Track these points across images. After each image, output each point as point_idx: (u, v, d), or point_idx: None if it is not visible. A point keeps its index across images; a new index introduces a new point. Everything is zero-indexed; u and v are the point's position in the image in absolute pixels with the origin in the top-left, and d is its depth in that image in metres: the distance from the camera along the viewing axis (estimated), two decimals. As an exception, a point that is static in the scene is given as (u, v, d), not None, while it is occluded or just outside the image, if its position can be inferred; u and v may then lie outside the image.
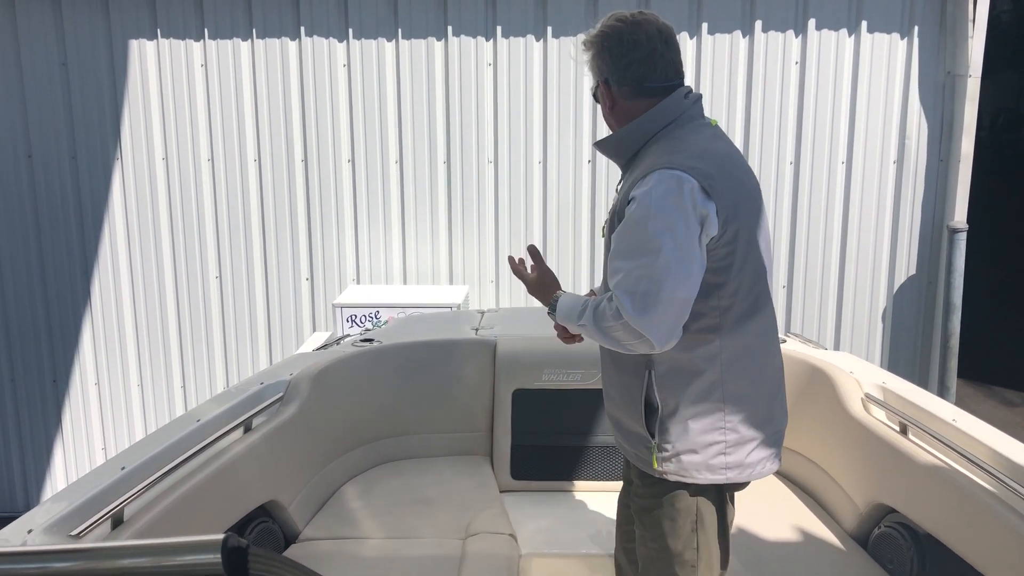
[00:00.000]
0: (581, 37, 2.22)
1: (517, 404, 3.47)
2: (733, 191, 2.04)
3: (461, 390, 3.56)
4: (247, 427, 2.89)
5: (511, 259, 2.38)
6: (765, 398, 2.16)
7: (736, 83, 5.31)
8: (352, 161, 5.57)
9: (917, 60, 5.18)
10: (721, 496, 2.16)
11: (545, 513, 3.26)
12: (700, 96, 2.18)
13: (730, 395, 2.09)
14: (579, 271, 5.58)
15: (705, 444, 2.09)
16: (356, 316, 5.28)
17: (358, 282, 5.75)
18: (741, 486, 2.18)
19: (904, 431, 2.78)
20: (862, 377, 3.13)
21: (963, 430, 2.63)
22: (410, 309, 5.24)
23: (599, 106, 2.25)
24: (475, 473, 3.44)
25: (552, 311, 2.23)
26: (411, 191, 5.59)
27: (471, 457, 3.56)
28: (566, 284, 5.54)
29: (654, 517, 2.18)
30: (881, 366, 4.56)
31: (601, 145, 2.24)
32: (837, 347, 5.49)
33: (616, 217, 2.10)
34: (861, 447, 2.90)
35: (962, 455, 2.49)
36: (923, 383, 5.43)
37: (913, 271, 5.39)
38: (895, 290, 5.40)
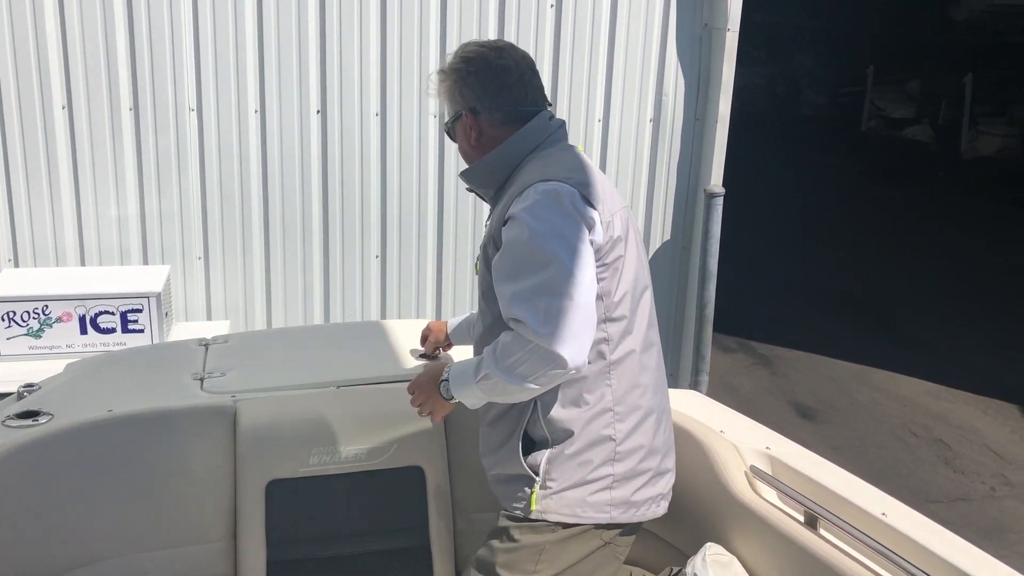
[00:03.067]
0: (432, 71, 2.27)
1: (274, 502, 2.33)
2: (610, 202, 1.96)
3: (184, 485, 2.35)
4: None
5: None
6: (654, 423, 2.04)
7: (487, 25, 4.42)
8: (-2, 104, 4.02)
9: (675, 9, 4.58)
10: (590, 543, 1.99)
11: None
12: (563, 121, 2.09)
13: (621, 419, 1.98)
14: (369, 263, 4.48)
15: (595, 478, 1.96)
16: (14, 313, 3.83)
17: (15, 264, 4.22)
18: (625, 532, 2.04)
19: (813, 524, 2.07)
20: (735, 437, 2.39)
21: (898, 528, 1.97)
22: (90, 302, 3.88)
23: (454, 142, 2.13)
24: None
25: (446, 389, 1.98)
26: (84, 141, 4.14)
27: None
28: (370, 289, 4.46)
29: (508, 561, 1.99)
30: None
31: (468, 175, 2.09)
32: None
33: (491, 246, 1.95)
34: (755, 541, 2.16)
35: (899, 566, 1.84)
36: (677, 353, 5.01)
37: (668, 236, 4.89)
38: (649, 256, 4.88)
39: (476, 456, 2.14)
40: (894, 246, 9.37)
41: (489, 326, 1.99)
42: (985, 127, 12.23)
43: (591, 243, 1.86)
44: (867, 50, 15.09)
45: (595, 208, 1.88)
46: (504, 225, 1.88)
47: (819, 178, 12.37)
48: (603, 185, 1.96)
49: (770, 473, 2.25)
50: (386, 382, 2.59)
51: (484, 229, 2.11)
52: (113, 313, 3.93)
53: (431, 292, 4.65)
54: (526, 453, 1.97)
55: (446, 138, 2.62)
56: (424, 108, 4.40)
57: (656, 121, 4.70)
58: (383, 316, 4.62)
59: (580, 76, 4.56)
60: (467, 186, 2.11)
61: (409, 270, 4.59)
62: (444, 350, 2.72)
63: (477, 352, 2.07)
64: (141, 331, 3.97)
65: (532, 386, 1.81)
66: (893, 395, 6.10)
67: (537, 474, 1.96)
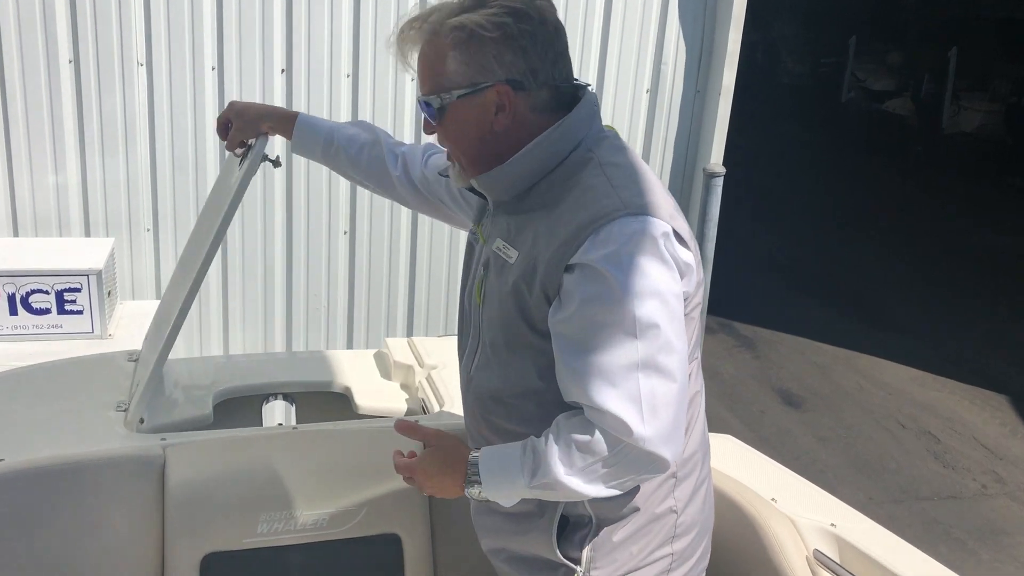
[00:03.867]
0: (445, 17, 1.45)
1: None
2: (688, 230, 1.48)
3: (96, 558, 1.89)
4: None
5: (398, 455, 1.60)
6: (706, 488, 1.67)
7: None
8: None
9: (678, -29, 4.16)
10: None
11: None
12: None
13: (680, 482, 1.57)
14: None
15: (651, 561, 1.56)
16: (-66, 291, 3.37)
17: (-63, 233, 3.76)
18: None
19: None
20: (790, 507, 1.95)
21: None
22: (22, 279, 3.41)
23: (432, 128, 1.54)
24: None
25: (474, 483, 1.47)
26: (17, 97, 3.64)
27: None
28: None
29: None
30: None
31: (492, 181, 1.51)
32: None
33: (528, 286, 1.45)
34: None
35: None
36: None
37: (660, 217, 4.51)
38: (639, 238, 4.51)
39: (465, 521, 1.72)
40: (873, 223, 9.10)
41: (519, 392, 1.53)
42: (967, 102, 11.95)
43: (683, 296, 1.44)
44: (849, 20, 14.72)
45: (689, 248, 1.44)
46: (568, 272, 1.39)
47: (796, 149, 12.07)
48: (674, 203, 1.50)
49: (837, 561, 1.84)
50: (358, 418, 2.22)
51: (478, 234, 1.63)
52: (47, 292, 3.47)
53: (404, 269, 4.24)
54: (562, 536, 1.55)
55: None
56: (401, 70, 3.95)
57: (653, 92, 4.29)
58: (351, 294, 4.20)
59: (572, 39, 4.12)
60: (459, 186, 1.62)
61: (380, 247, 4.17)
62: (255, 137, 1.97)
63: (470, 410, 1.64)
64: (80, 312, 3.52)
65: (612, 492, 1.41)
66: (878, 382, 5.84)
67: (579, 563, 1.54)
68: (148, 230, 3.91)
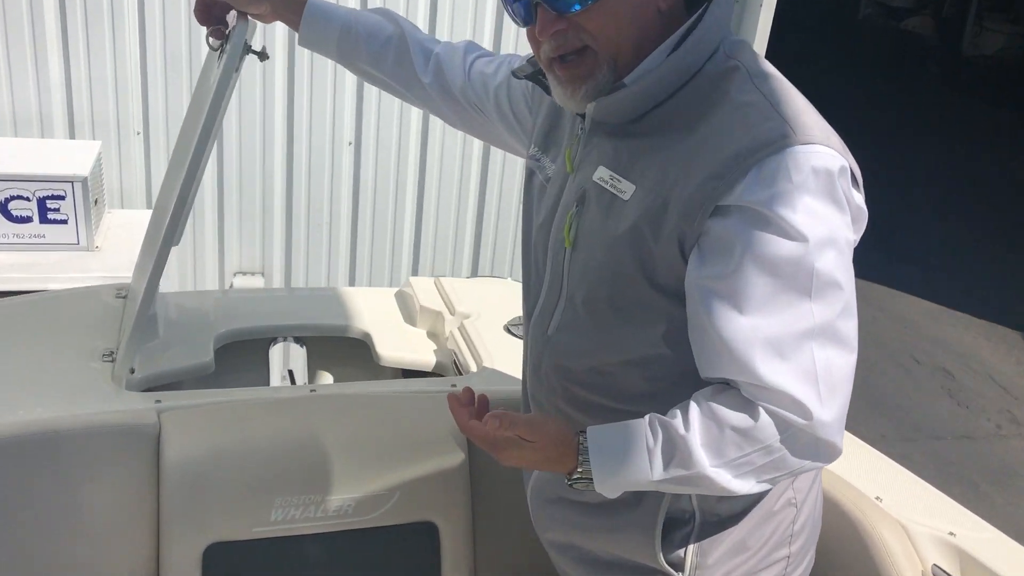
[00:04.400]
0: None
1: (214, 574, 1.60)
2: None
3: (76, 548, 1.59)
4: None
5: (453, 399, 1.26)
6: (818, 478, 1.40)
7: None
8: None
9: None
10: None
11: None
12: None
13: (802, 474, 1.27)
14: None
15: (767, 564, 1.29)
16: (-96, 195, 3.06)
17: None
18: None
19: None
20: (899, 509, 1.63)
21: None
22: (1, 185, 3.11)
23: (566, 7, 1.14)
24: None
25: (582, 475, 1.15)
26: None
27: None
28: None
29: None
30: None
31: (632, 96, 1.17)
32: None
33: (655, 228, 1.14)
34: None
35: None
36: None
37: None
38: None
39: (514, 507, 1.46)
40: (887, 147, 8.77)
41: (623, 362, 1.24)
42: (990, 24, 11.44)
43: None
44: (870, -70, 14.04)
45: (860, 190, 1.19)
46: (719, 216, 1.11)
47: (808, 67, 11.62)
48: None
49: None
50: (381, 374, 1.95)
51: (564, 159, 1.31)
52: (29, 199, 3.17)
53: (412, 180, 3.94)
54: (666, 538, 1.28)
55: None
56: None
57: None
58: (355, 208, 3.91)
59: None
60: (573, 109, 1.27)
61: (387, 156, 3.87)
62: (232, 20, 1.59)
63: (544, 379, 1.34)
64: (64, 222, 3.23)
65: (762, 487, 1.15)
66: (893, 314, 5.67)
67: (680, 569, 1.28)
68: (138, 133, 3.58)
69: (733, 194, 1.09)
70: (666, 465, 1.11)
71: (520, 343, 2.01)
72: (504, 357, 1.93)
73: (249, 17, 1.54)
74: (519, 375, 1.86)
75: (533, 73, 1.31)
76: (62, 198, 3.19)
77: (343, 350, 2.16)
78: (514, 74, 1.38)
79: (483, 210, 4.04)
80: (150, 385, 1.81)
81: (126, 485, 1.58)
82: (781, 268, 1.08)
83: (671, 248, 1.14)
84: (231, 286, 3.84)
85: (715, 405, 1.12)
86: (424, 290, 2.27)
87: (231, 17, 1.55)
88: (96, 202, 3.30)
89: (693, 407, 1.13)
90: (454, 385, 1.77)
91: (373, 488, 1.62)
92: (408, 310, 2.27)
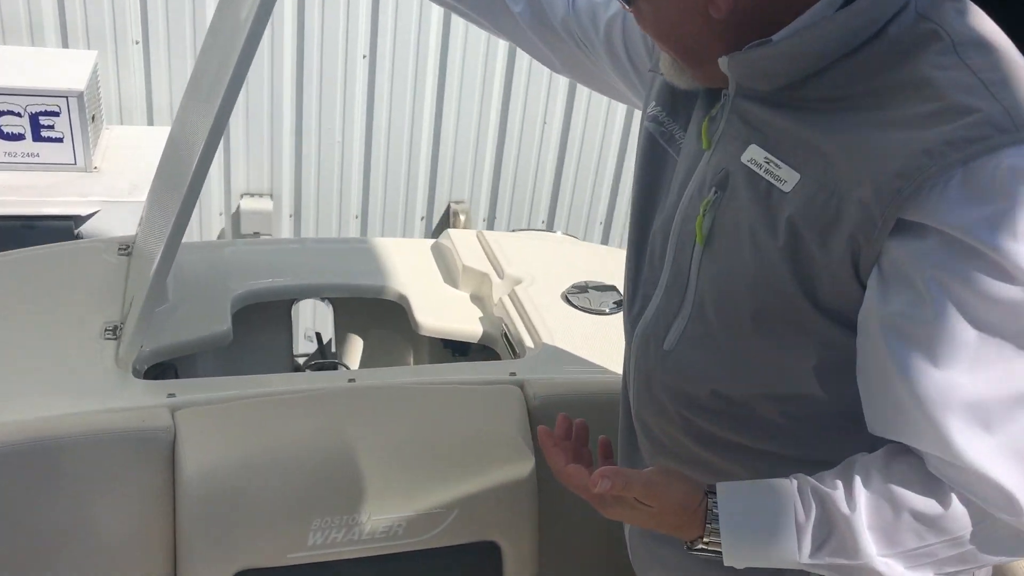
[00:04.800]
0: None
1: None
2: None
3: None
4: None
5: (546, 436, 1.05)
6: None
7: None
8: None
9: None
10: None
11: None
12: None
13: None
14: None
15: None
16: None
17: None
18: None
19: None
20: None
21: None
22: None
23: None
24: None
25: (708, 546, 0.91)
26: None
27: None
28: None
29: None
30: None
31: (763, 63, 0.91)
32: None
33: (806, 226, 0.87)
34: None
35: None
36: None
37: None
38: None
39: (586, 526, 1.28)
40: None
41: (764, 395, 0.98)
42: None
43: None
44: None
45: None
46: (906, 234, 0.83)
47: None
48: None
49: None
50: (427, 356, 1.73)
51: (698, 129, 1.04)
52: (20, 114, 2.90)
53: (430, 96, 3.67)
54: None
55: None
56: None
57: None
58: (368, 127, 3.64)
59: None
60: (681, 84, 1.03)
61: (404, 70, 3.58)
62: None
63: (655, 400, 1.07)
64: (59, 140, 2.96)
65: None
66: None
67: None
68: (137, 43, 3.27)
69: (925, 207, 0.81)
70: (818, 547, 0.88)
71: (584, 317, 1.78)
72: (565, 333, 1.70)
73: None
74: (583, 355, 1.65)
75: None
76: (56, 114, 2.93)
77: (375, 311, 1.95)
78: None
79: (505, 132, 3.78)
80: (160, 359, 1.59)
81: (135, 501, 1.35)
82: (994, 316, 0.81)
83: (842, 263, 0.87)
84: (238, 208, 3.61)
85: (890, 480, 0.87)
86: (466, 246, 2.01)
87: None
88: (93, 118, 3.04)
89: (859, 479, 0.87)
90: (513, 373, 1.54)
91: (427, 504, 1.38)
92: (448, 268, 2.02)
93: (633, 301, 1.12)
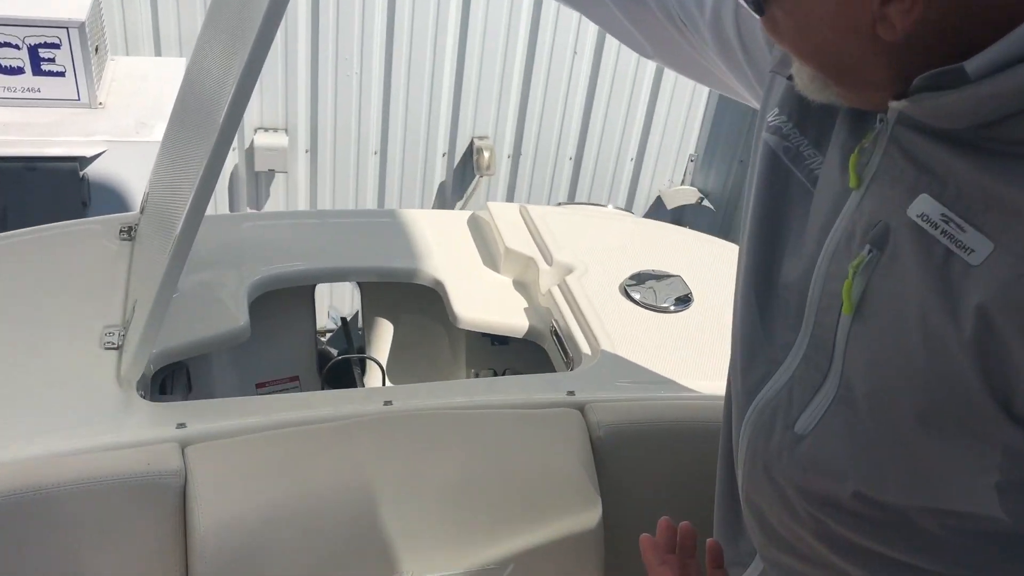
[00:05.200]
0: None
1: None
2: None
3: None
4: None
5: (648, 545, 0.90)
6: None
7: None
8: None
9: None
10: None
11: None
12: None
13: None
14: None
15: None
16: None
17: None
18: None
19: None
20: None
21: None
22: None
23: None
24: None
25: None
26: None
27: None
28: None
29: None
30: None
31: (953, 107, 0.67)
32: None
33: (1002, 314, 0.65)
34: None
35: None
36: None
37: None
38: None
39: None
40: None
41: (926, 508, 0.77)
42: None
43: None
44: None
45: None
46: None
47: None
48: None
49: None
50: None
51: (841, 160, 0.82)
52: (18, 47, 2.67)
53: (453, 23, 3.41)
54: None
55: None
56: None
57: None
58: (387, 58, 3.39)
59: None
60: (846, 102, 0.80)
61: (426, 1, 3.32)
62: None
63: (778, 492, 0.86)
64: (61, 74, 2.74)
65: None
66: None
67: None
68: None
69: None
70: None
71: (646, 315, 1.57)
72: (625, 335, 1.51)
73: None
74: (648, 364, 1.45)
75: None
76: (57, 46, 2.70)
77: (406, 293, 1.76)
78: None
79: (532, 63, 3.53)
80: (170, 360, 1.43)
81: (140, 556, 1.17)
82: None
83: None
84: (251, 144, 3.40)
85: None
86: (507, 223, 1.80)
87: None
88: (97, 50, 2.81)
89: None
90: (571, 392, 1.35)
91: (479, 559, 1.19)
92: (488, 248, 1.82)
93: (751, 363, 0.90)
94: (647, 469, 1.31)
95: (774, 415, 0.85)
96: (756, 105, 1.01)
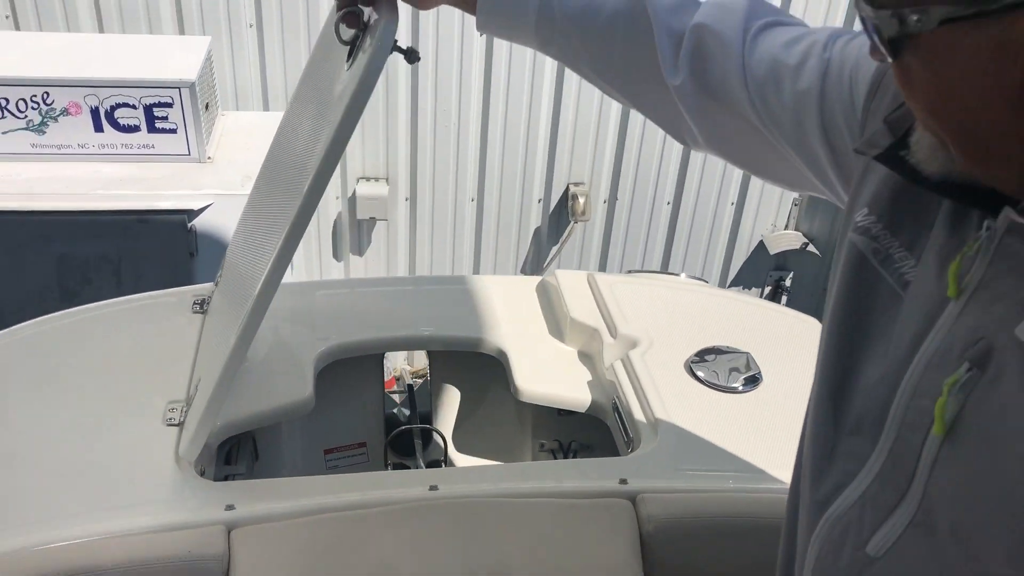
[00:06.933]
0: None
1: None
2: None
3: None
4: None
5: None
6: None
7: None
8: None
9: None
10: None
11: None
12: None
13: None
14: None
15: None
16: (7, 101, 2.72)
17: (14, 24, 3.06)
18: None
19: None
20: None
21: None
22: (104, 91, 2.73)
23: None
24: None
25: None
26: None
27: None
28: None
29: None
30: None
31: None
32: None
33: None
34: None
35: None
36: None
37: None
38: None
39: None
40: None
41: None
42: None
43: None
44: None
45: None
46: None
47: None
48: None
49: None
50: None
51: (938, 267, 0.72)
52: (135, 106, 2.81)
53: (549, 77, 3.38)
54: None
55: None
56: None
57: None
58: (484, 108, 3.39)
59: None
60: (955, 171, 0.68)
61: (522, 52, 3.31)
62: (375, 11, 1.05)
63: None
64: (173, 131, 2.86)
65: None
66: None
67: None
68: (251, 26, 3.12)
69: None
70: None
71: (710, 395, 1.49)
72: (687, 416, 1.44)
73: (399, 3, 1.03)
74: (709, 448, 1.37)
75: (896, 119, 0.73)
76: (169, 105, 2.82)
77: (473, 361, 1.73)
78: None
79: (628, 112, 3.47)
80: (234, 432, 1.44)
81: None
82: None
83: None
84: (354, 193, 3.46)
85: None
86: (573, 291, 1.75)
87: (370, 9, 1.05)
88: (207, 107, 2.92)
89: None
90: (624, 481, 1.27)
91: None
92: (554, 315, 1.77)
93: (823, 472, 0.81)
94: (700, 567, 1.22)
95: (845, 532, 0.76)
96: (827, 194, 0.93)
